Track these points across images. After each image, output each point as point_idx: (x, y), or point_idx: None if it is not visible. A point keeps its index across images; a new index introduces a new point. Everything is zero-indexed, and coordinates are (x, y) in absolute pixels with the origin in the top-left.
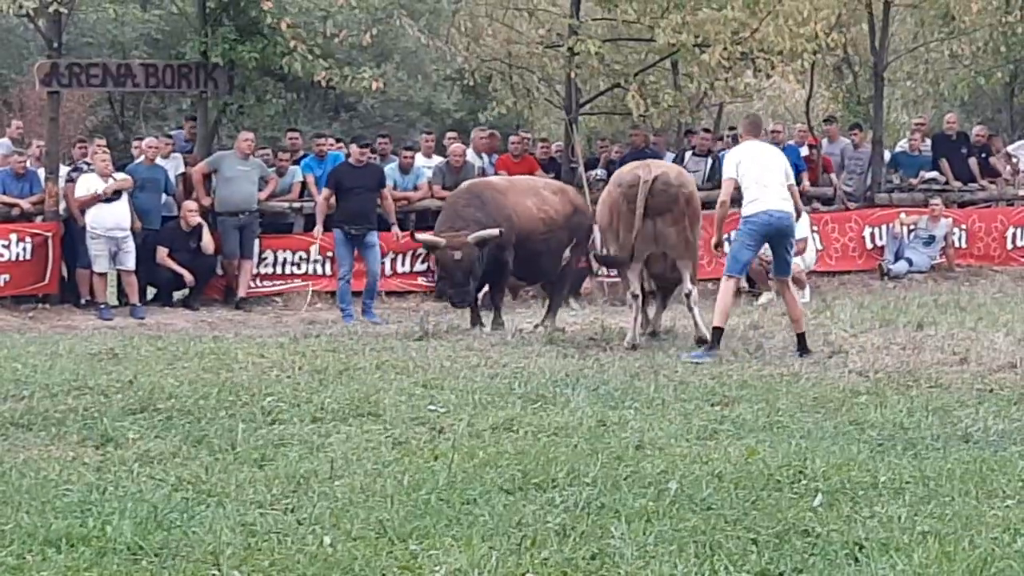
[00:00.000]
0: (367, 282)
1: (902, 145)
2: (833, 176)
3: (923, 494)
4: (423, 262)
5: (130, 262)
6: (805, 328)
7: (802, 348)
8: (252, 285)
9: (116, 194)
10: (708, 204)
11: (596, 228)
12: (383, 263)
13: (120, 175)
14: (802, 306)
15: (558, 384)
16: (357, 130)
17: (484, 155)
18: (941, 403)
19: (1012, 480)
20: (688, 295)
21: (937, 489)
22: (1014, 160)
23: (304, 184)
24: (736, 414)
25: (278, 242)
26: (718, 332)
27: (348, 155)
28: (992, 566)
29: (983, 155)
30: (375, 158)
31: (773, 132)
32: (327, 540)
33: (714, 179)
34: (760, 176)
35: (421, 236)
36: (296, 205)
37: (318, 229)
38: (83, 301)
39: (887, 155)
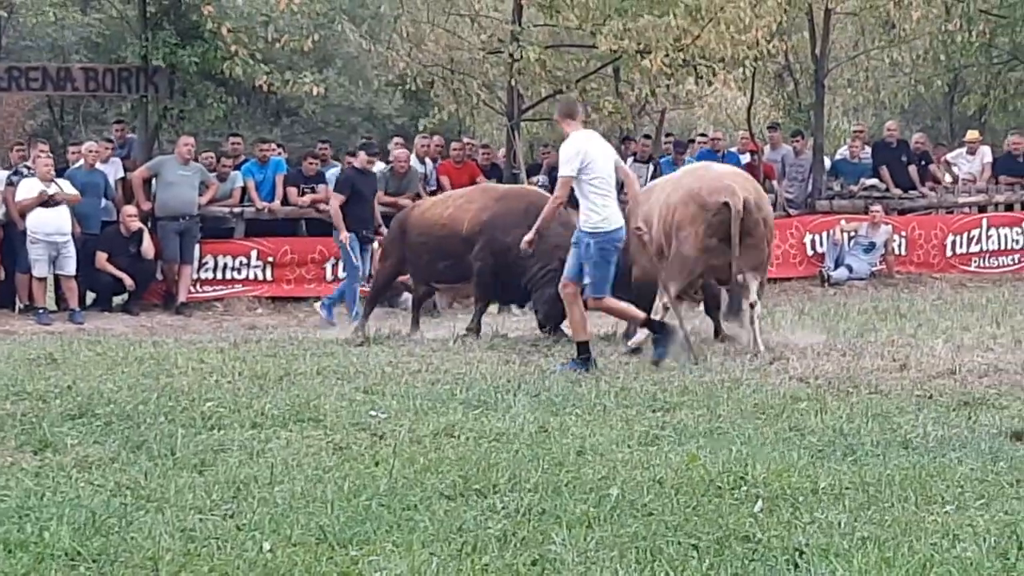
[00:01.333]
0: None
1: (842, 152)
2: (775, 183)
3: (863, 500)
4: None
5: (70, 267)
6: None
7: (584, 360)
8: (192, 290)
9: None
10: None
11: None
12: (325, 269)
13: (67, 186)
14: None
15: (499, 390)
16: (298, 135)
17: (427, 161)
18: (881, 409)
19: (951, 486)
20: (753, 306)
21: (877, 495)
22: (953, 168)
23: (244, 189)
24: (677, 420)
25: (218, 247)
26: (584, 346)
27: (316, 162)
28: (931, 572)
29: (923, 162)
30: (316, 163)
31: (713, 139)
32: (267, 546)
33: None
34: (608, 183)
35: None
36: (237, 210)
37: (344, 234)
38: (22, 306)
39: (828, 162)
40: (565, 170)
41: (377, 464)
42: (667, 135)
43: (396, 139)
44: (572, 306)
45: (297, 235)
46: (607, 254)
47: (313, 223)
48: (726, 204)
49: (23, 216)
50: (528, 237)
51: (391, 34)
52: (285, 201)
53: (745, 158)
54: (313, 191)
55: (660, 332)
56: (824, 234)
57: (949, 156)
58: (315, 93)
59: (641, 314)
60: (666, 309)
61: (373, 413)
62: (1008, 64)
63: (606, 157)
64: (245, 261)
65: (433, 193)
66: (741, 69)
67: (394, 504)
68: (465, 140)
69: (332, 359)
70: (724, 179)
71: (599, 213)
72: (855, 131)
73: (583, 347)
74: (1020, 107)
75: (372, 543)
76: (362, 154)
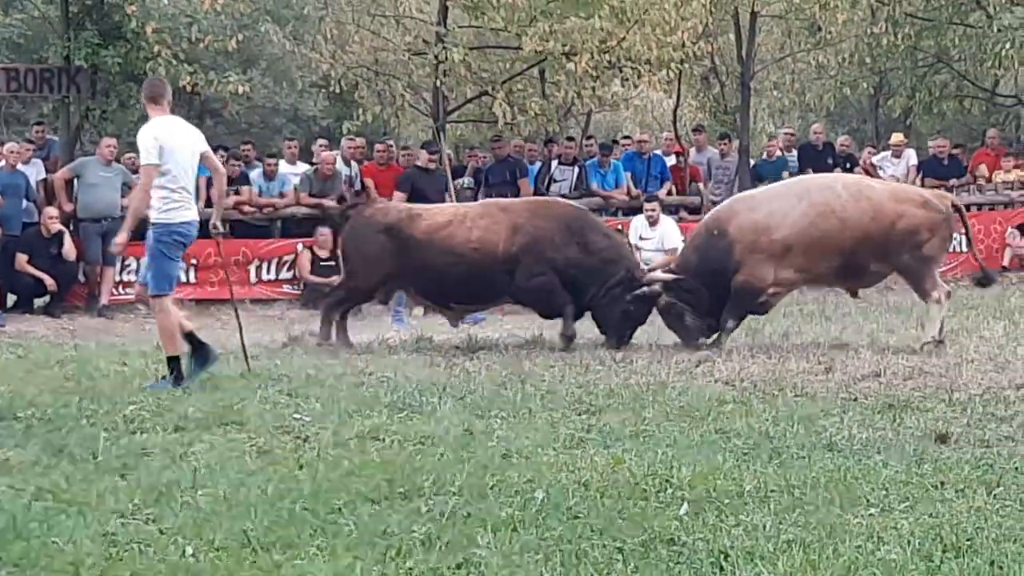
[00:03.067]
0: None
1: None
2: (700, 185)
3: (788, 502)
4: (288, 270)
5: None
6: (180, 351)
7: (176, 376)
8: (115, 292)
9: None
10: None
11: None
12: (249, 271)
13: None
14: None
15: (424, 393)
16: (222, 136)
17: (352, 163)
18: (806, 412)
19: (876, 488)
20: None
21: (802, 497)
22: (879, 170)
23: None
24: (603, 423)
25: (141, 249)
26: (175, 361)
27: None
28: (856, 574)
29: (848, 165)
30: (239, 165)
31: (639, 142)
32: (189, 550)
33: (581, 188)
34: (186, 174)
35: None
36: None
37: None
38: None
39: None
40: (148, 159)
41: (301, 468)
42: (588, 137)
43: (320, 141)
44: (160, 316)
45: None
46: (168, 247)
47: (236, 225)
48: (955, 206)
49: None
50: (119, 239)
51: (315, 35)
52: (209, 203)
53: (670, 160)
54: (236, 192)
55: (201, 349)
56: None
57: (875, 159)
58: (239, 93)
59: (189, 325)
60: (938, 303)
61: (297, 416)
62: (933, 67)
63: (187, 146)
64: None
65: (358, 194)
66: (667, 71)
67: (318, 508)
68: (387, 143)
69: (256, 362)
70: (939, 193)
71: (169, 203)
72: (785, 133)
73: (172, 362)
74: (945, 110)
75: (296, 547)
76: (423, 153)
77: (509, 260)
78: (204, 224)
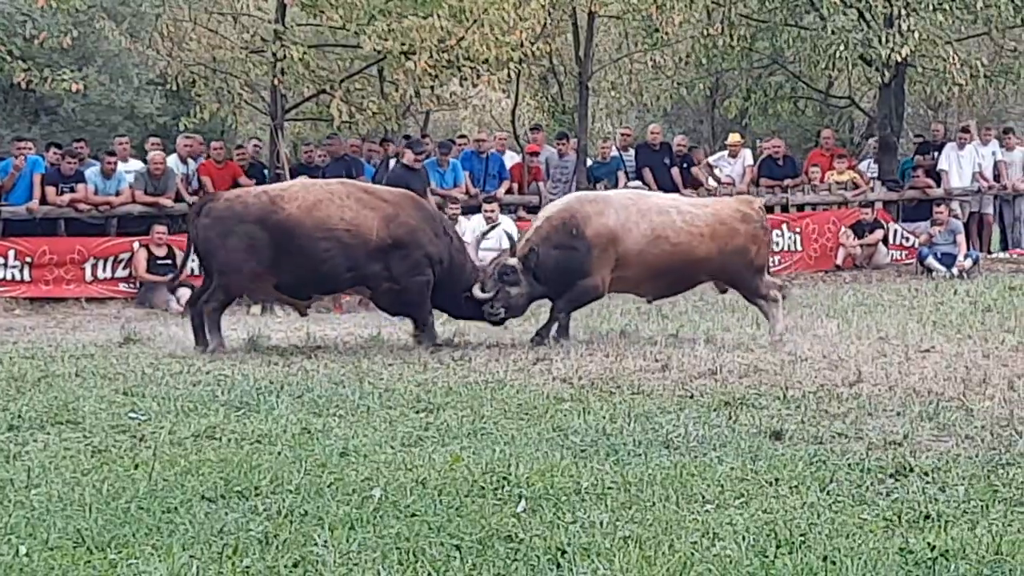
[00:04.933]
0: None
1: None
2: (541, 184)
3: (625, 499)
4: (124, 268)
5: None
6: None
7: None
8: None
9: None
10: None
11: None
12: (84, 269)
13: None
14: None
15: (262, 391)
16: (58, 134)
17: (190, 160)
18: (643, 409)
19: (711, 485)
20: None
21: (638, 494)
22: (715, 170)
23: (1, 188)
24: (441, 421)
25: None
26: None
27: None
28: (691, 570)
29: (685, 165)
30: (75, 162)
31: (477, 141)
32: (23, 550)
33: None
34: None
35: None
36: None
37: None
38: None
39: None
40: None
41: (137, 466)
42: (423, 135)
43: (152, 139)
44: None
45: (56, 235)
46: None
47: (72, 223)
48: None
49: None
50: None
51: (152, 32)
52: (43, 200)
53: (508, 158)
54: (72, 190)
55: None
56: None
57: (711, 159)
58: (74, 90)
59: None
60: (776, 300)
61: (133, 415)
62: (768, 68)
63: None
64: (2, 261)
65: (195, 193)
66: (505, 71)
67: (154, 507)
68: (214, 144)
69: (91, 360)
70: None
71: None
72: (621, 133)
73: None
74: (780, 111)
75: (131, 546)
76: (408, 152)
77: (380, 249)
78: (30, 222)
